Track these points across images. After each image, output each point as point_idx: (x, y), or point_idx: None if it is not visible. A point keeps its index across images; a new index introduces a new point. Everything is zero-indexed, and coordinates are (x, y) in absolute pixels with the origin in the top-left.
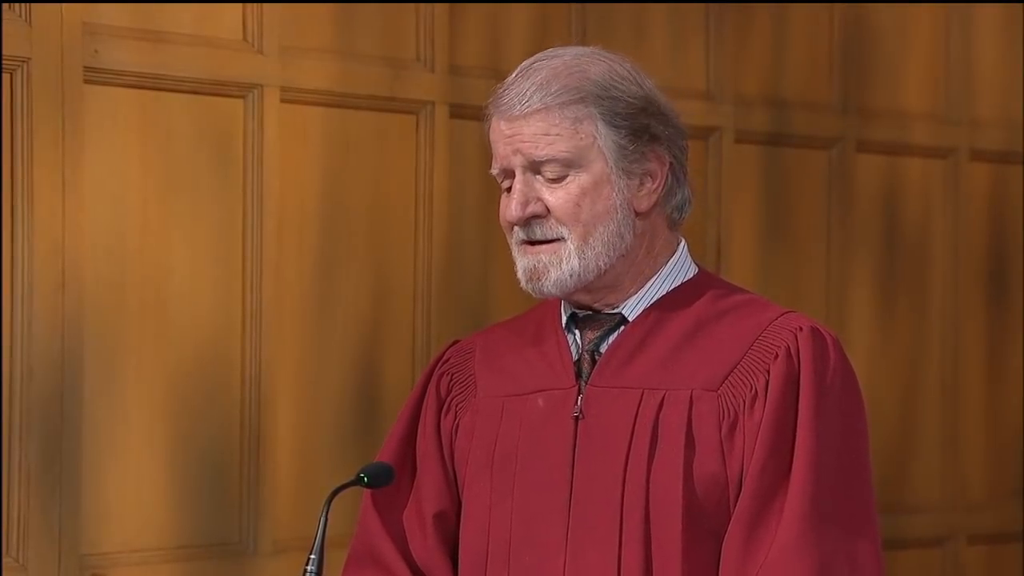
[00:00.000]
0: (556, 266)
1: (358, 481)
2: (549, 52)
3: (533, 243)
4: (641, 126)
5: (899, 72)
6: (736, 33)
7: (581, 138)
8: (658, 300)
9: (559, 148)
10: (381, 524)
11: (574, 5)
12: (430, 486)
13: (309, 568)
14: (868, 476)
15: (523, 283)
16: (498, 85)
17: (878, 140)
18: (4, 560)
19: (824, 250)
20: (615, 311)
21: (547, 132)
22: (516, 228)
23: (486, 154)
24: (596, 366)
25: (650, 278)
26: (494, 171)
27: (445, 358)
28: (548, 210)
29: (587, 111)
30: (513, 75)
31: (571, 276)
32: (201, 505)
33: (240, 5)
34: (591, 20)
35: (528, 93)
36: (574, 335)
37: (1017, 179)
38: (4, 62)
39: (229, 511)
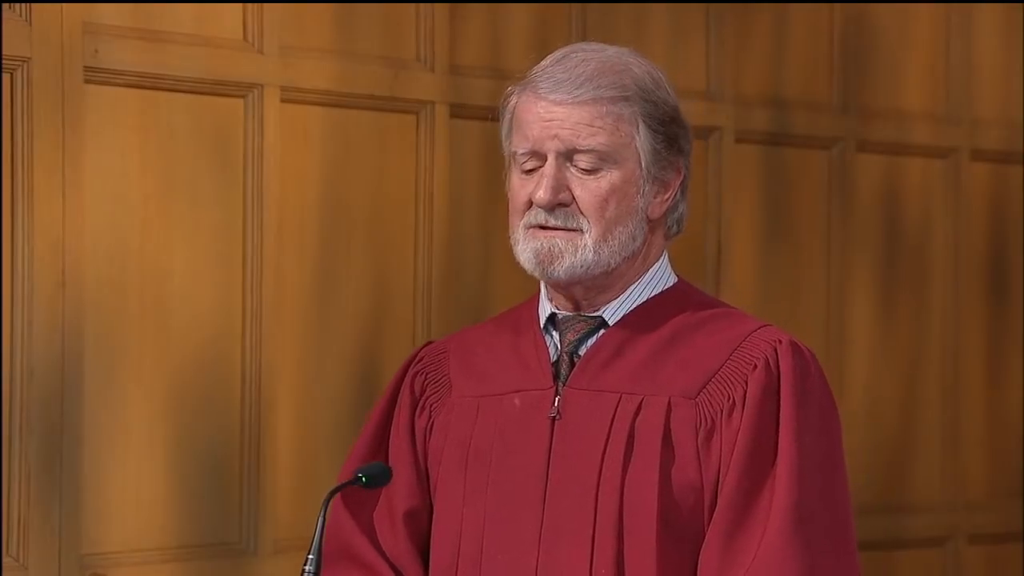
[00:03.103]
0: (571, 254)
1: (356, 481)
2: (585, 45)
3: (546, 228)
4: (674, 135)
5: (899, 72)
6: (736, 33)
7: (621, 136)
8: (638, 306)
9: (600, 141)
10: (354, 522)
11: (574, 5)
12: (401, 484)
13: (307, 568)
14: (847, 487)
15: (530, 267)
16: (533, 67)
17: (878, 140)
18: (4, 560)
19: (824, 250)
20: (596, 314)
21: (591, 123)
22: (533, 211)
23: (486, 154)
24: (574, 368)
25: (632, 283)
26: (520, 149)
27: (418, 358)
28: (574, 199)
29: (631, 110)
30: (551, 61)
31: (582, 266)
32: (201, 505)
33: (240, 5)
34: (591, 20)
35: (579, 81)
36: (552, 336)
37: (1017, 179)
38: (4, 62)
39: (229, 511)
